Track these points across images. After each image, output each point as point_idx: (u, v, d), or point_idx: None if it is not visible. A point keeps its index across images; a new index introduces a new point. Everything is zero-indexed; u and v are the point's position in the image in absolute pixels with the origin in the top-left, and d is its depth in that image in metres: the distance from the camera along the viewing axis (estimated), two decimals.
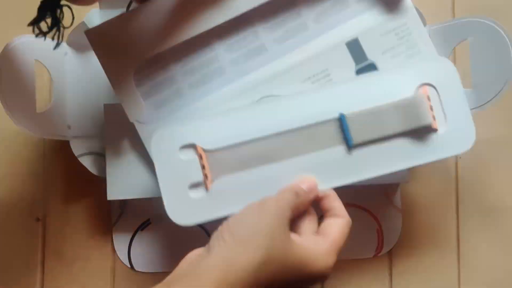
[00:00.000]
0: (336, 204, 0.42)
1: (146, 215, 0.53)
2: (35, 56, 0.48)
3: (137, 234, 0.53)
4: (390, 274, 0.54)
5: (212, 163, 0.44)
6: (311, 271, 0.37)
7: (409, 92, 0.45)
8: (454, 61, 0.55)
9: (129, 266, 0.53)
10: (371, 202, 0.53)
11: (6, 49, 0.45)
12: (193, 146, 0.44)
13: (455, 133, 0.45)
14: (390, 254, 0.54)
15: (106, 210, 0.53)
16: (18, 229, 0.53)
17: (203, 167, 0.44)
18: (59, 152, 0.53)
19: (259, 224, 0.37)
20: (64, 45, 0.51)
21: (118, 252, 0.53)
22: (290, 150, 0.45)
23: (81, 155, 0.50)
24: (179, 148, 0.44)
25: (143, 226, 0.53)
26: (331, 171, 0.44)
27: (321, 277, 0.38)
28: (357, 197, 0.53)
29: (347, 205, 0.51)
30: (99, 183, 0.51)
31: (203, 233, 0.53)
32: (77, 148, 0.50)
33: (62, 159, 0.53)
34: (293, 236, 0.38)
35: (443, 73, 0.46)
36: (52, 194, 0.53)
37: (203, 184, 0.44)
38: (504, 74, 0.45)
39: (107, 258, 0.53)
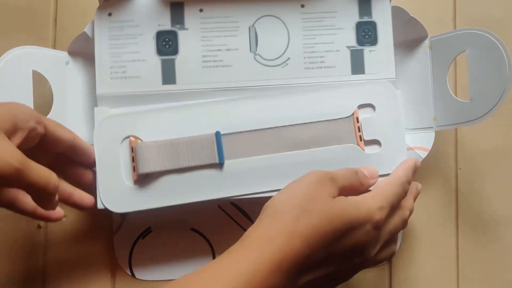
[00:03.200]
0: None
1: (147, 223, 0.56)
2: (33, 66, 0.51)
3: (138, 242, 0.56)
4: (390, 285, 0.57)
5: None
6: (351, 217, 0.40)
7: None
8: (456, 73, 0.59)
9: (130, 274, 0.55)
10: None
11: (1, 60, 0.49)
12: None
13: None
14: (390, 264, 0.57)
15: (107, 218, 0.56)
16: (20, 236, 0.56)
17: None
18: None
19: (296, 187, 0.42)
20: (65, 54, 0.54)
21: (119, 260, 0.56)
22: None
23: None
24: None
25: (144, 234, 0.56)
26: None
27: (364, 221, 0.41)
28: None
29: None
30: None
31: (204, 242, 0.56)
32: None
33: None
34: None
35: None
36: None
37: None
38: (500, 86, 0.49)
39: (108, 266, 0.56)
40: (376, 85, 0.53)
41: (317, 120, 0.52)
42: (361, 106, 0.53)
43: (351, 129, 0.52)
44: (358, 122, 0.52)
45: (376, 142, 0.52)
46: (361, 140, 0.52)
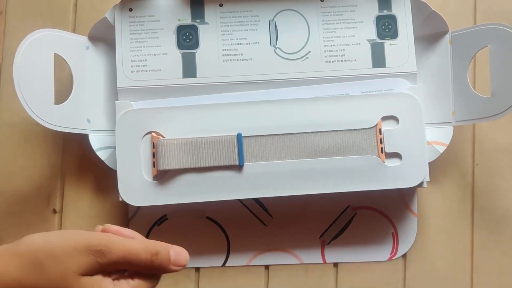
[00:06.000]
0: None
1: (163, 211, 0.56)
2: (54, 50, 0.51)
3: (153, 230, 0.56)
4: (404, 278, 0.57)
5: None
6: None
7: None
8: (475, 68, 0.58)
9: None
10: (387, 205, 0.57)
11: (24, 42, 0.49)
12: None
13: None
14: (404, 257, 0.57)
15: (123, 204, 0.56)
16: (35, 220, 0.56)
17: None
18: (77, 145, 0.57)
19: (53, 243, 0.37)
20: (85, 38, 0.55)
21: None
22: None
23: (100, 149, 0.54)
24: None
25: (160, 221, 0.56)
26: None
27: None
28: (374, 200, 0.56)
29: (363, 207, 0.55)
30: (117, 177, 0.54)
31: (219, 231, 0.56)
32: (95, 141, 0.53)
33: (81, 152, 0.57)
34: (101, 276, 0.37)
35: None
36: (69, 186, 0.57)
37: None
38: None
39: None
40: (401, 98, 0.52)
41: (339, 129, 0.52)
42: (384, 118, 0.52)
43: (373, 140, 0.52)
44: (380, 133, 0.51)
45: (397, 155, 0.52)
46: (382, 152, 0.51)
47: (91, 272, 0.36)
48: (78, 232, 0.38)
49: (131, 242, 0.38)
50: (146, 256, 0.38)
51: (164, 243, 0.40)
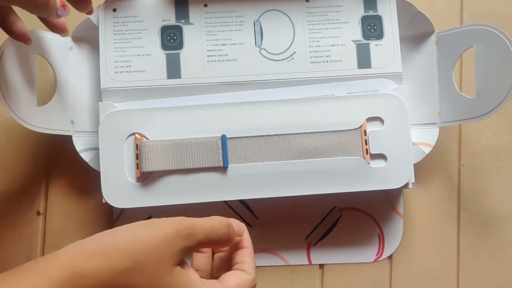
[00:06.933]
0: (247, 260, 0.41)
1: (148, 212, 0.55)
2: (37, 51, 0.51)
3: None
4: (390, 280, 0.56)
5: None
6: None
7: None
8: (461, 69, 0.58)
9: None
10: (373, 206, 0.56)
11: (6, 43, 0.48)
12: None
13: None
14: (390, 259, 0.57)
15: (107, 206, 0.55)
16: (19, 222, 0.56)
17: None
18: (61, 146, 0.56)
19: (141, 236, 0.35)
20: (69, 39, 0.54)
21: None
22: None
23: (83, 150, 0.53)
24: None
25: None
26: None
27: None
28: (359, 201, 0.56)
29: (349, 209, 0.54)
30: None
31: None
32: (79, 143, 0.53)
33: (65, 154, 0.56)
34: (184, 266, 0.36)
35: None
36: (53, 188, 0.56)
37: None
38: (507, 83, 0.48)
39: None
40: (386, 99, 0.52)
41: (324, 130, 0.51)
42: (369, 119, 0.52)
43: (358, 141, 0.51)
44: (365, 135, 0.51)
45: (382, 156, 0.51)
46: (367, 153, 0.51)
47: (181, 259, 0.36)
48: (160, 220, 0.37)
49: (209, 220, 0.38)
50: (223, 231, 0.39)
51: (222, 217, 0.40)
